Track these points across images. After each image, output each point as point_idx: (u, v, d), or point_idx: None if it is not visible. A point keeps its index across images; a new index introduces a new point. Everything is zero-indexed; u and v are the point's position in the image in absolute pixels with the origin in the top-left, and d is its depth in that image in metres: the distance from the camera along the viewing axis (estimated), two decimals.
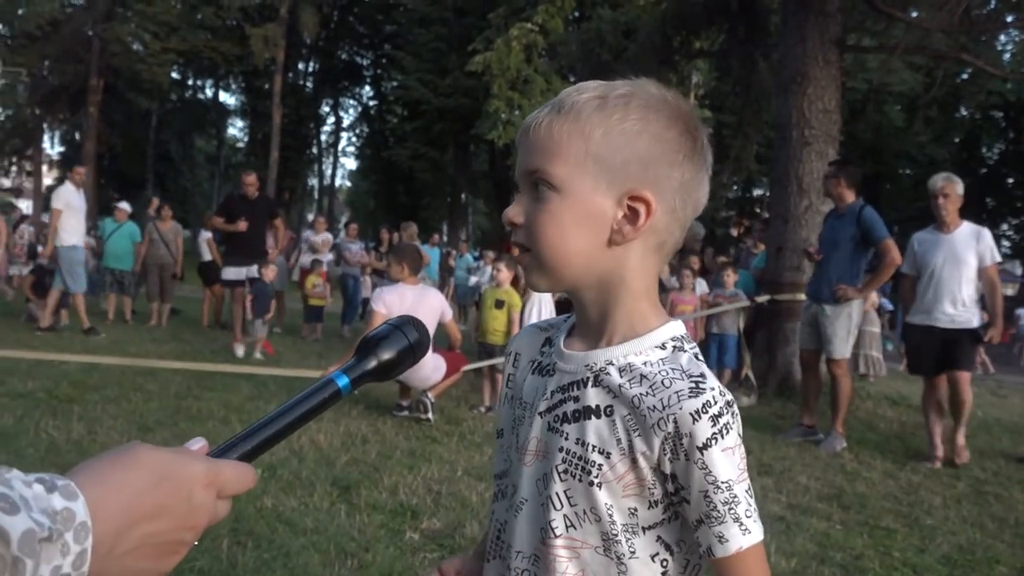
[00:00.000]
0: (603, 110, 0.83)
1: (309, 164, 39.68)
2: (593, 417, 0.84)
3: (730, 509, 0.78)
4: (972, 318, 5.23)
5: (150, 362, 6.74)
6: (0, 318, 9.71)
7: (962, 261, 5.18)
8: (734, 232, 15.19)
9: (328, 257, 11.67)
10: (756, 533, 0.79)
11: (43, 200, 28.57)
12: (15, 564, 0.48)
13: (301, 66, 36.72)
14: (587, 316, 0.89)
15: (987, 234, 5.28)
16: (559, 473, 0.84)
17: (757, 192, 29.92)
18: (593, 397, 0.85)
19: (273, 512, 3.24)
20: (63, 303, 8.85)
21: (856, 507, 4.06)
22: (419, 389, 5.42)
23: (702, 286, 8.37)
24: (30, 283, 9.96)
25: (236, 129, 46.46)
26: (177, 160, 39.29)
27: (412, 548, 3.00)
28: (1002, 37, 16.38)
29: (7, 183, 42.01)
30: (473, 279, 13.17)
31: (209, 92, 39.55)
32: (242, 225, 8.52)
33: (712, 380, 0.81)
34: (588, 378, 0.86)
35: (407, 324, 0.81)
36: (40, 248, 10.39)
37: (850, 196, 5.55)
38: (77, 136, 34.09)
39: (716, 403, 0.79)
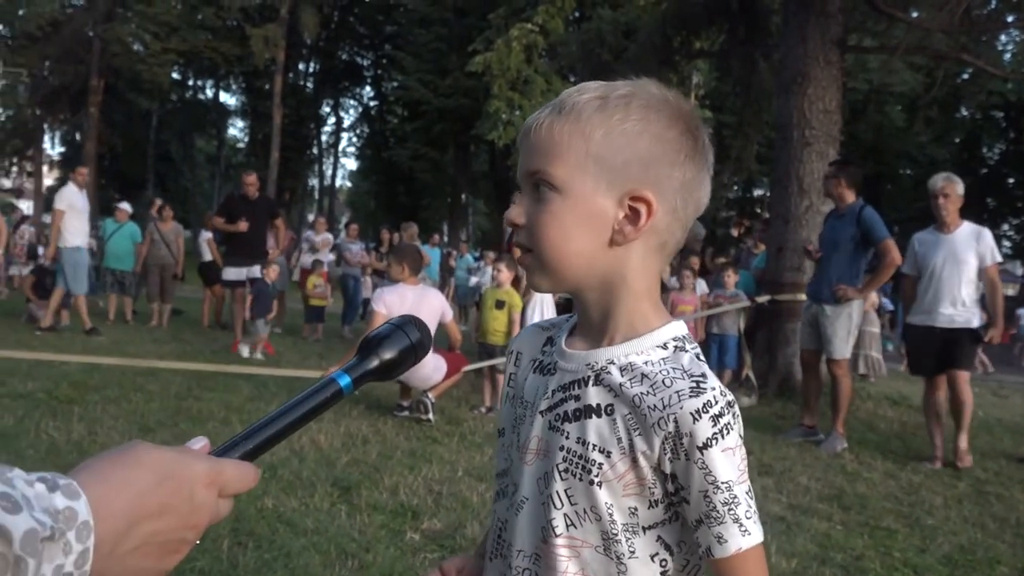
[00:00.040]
0: (604, 110, 0.83)
1: (309, 164, 39.70)
2: (594, 416, 0.84)
3: (730, 510, 0.78)
4: (972, 318, 5.23)
5: (151, 363, 6.74)
6: (0, 318, 9.71)
7: (962, 261, 5.18)
8: (735, 232, 15.16)
9: (329, 257, 11.68)
10: (756, 535, 0.79)
11: (44, 200, 28.60)
12: (17, 563, 0.48)
13: (301, 66, 36.75)
14: (589, 316, 0.89)
15: (987, 234, 5.28)
16: (560, 472, 0.84)
17: (758, 192, 29.92)
18: (594, 396, 0.85)
19: (274, 512, 3.24)
20: (64, 303, 8.86)
21: (857, 507, 4.05)
22: (420, 389, 5.42)
23: (702, 286, 8.38)
24: (30, 283, 9.97)
25: (236, 129, 46.56)
26: (178, 160, 39.31)
27: (413, 549, 3.00)
28: (1003, 37, 16.42)
29: (8, 183, 42.04)
30: (473, 279, 13.18)
31: (209, 92, 39.63)
32: (243, 225, 8.53)
33: (713, 380, 0.81)
34: (589, 377, 0.86)
35: (409, 324, 0.81)
36: (41, 249, 10.41)
37: (850, 196, 5.55)
38: (78, 136, 34.13)
39: (717, 403, 0.79)
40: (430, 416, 5.27)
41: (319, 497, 3.47)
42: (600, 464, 0.82)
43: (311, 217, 29.71)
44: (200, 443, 0.66)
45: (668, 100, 0.85)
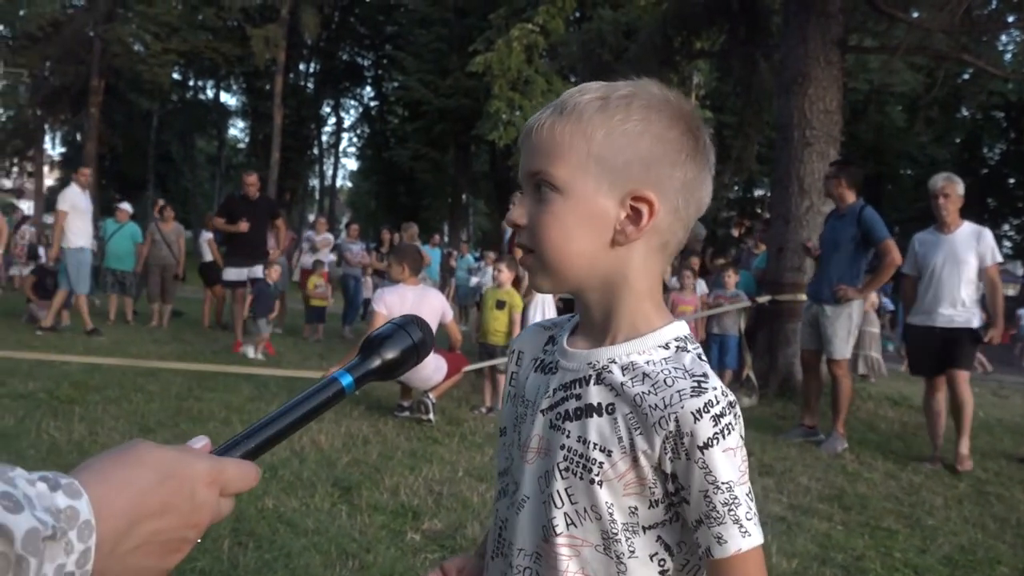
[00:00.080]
0: (605, 111, 0.83)
1: (310, 165, 39.71)
2: (595, 415, 0.84)
3: (730, 510, 0.78)
4: (972, 318, 5.22)
5: (151, 363, 6.74)
6: (1, 318, 9.71)
7: (962, 261, 5.17)
8: (735, 232, 15.17)
9: (330, 258, 11.68)
10: (756, 536, 0.79)
11: (44, 201, 28.63)
12: (19, 562, 0.48)
13: (302, 67, 36.77)
14: (591, 316, 0.90)
15: (988, 234, 5.27)
16: (560, 471, 0.84)
17: (758, 192, 29.94)
18: (595, 395, 0.85)
19: (274, 513, 3.24)
20: (65, 304, 8.86)
21: (857, 508, 4.05)
22: (420, 390, 5.42)
23: (702, 287, 8.38)
24: (31, 284, 9.98)
25: (237, 130, 46.57)
26: (178, 161, 39.32)
27: (413, 549, 3.01)
28: (1003, 37, 16.40)
29: (8, 184, 42.08)
30: (474, 280, 13.18)
31: (210, 93, 39.62)
32: (243, 226, 8.52)
33: (715, 380, 0.81)
34: (590, 376, 0.86)
35: (411, 323, 0.81)
36: (41, 249, 10.42)
37: (851, 196, 5.55)
38: (78, 137, 34.12)
39: (718, 403, 0.79)
40: (431, 416, 5.27)
41: (320, 497, 3.47)
42: (601, 463, 0.82)
43: (312, 217, 29.72)
44: (201, 442, 0.66)
45: (669, 100, 0.85)
